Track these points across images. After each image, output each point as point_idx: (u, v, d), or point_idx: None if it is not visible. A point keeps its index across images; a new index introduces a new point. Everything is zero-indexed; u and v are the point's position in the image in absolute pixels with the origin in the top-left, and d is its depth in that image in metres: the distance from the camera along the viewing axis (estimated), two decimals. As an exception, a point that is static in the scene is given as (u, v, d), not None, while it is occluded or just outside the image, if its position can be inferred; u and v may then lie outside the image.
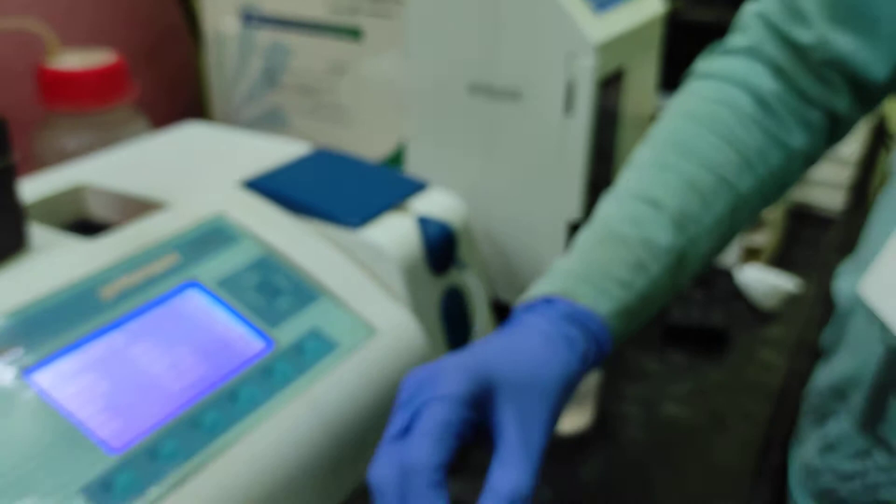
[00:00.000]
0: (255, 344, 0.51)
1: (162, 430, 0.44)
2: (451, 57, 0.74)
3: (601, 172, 0.78)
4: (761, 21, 0.53)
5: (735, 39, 0.55)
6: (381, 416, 0.53)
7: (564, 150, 0.72)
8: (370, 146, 0.86)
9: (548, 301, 0.45)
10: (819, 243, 0.99)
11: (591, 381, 0.66)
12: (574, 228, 0.74)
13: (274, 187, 0.61)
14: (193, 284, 0.52)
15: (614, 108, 0.80)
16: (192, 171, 0.64)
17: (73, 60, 0.76)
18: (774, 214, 0.91)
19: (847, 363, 0.51)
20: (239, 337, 0.51)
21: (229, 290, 0.53)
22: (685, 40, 0.85)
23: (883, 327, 0.46)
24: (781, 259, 0.95)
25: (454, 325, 0.62)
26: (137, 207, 0.60)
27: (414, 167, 0.80)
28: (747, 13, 0.55)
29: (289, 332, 0.52)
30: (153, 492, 0.41)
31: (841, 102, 0.53)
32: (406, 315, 0.57)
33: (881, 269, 0.46)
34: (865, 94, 0.53)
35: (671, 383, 0.72)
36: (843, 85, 0.52)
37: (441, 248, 0.60)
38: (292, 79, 0.88)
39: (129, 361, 0.47)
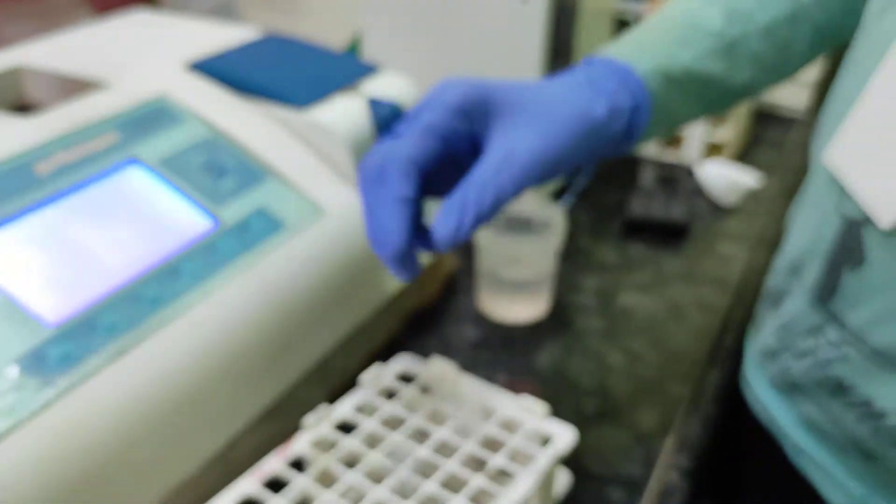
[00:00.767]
0: (199, 222, 0.49)
1: (101, 304, 0.43)
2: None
3: (559, 69, 0.76)
4: None
5: None
6: (327, 296, 0.52)
7: (521, 41, 0.70)
8: (326, 37, 0.84)
9: (588, 61, 0.46)
10: (782, 143, 0.99)
11: (548, 270, 0.65)
12: (533, 118, 0.72)
13: (220, 69, 0.59)
14: (134, 162, 0.51)
15: (573, 2, 0.78)
16: (136, 54, 0.62)
17: (11, -57, 0.73)
18: (737, 110, 0.90)
19: (804, 237, 0.51)
20: (183, 215, 0.49)
21: (172, 168, 0.51)
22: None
23: (841, 197, 0.45)
24: (744, 158, 0.94)
25: (408, 210, 0.61)
26: (77, 88, 0.58)
27: (370, 57, 0.78)
28: None
29: (234, 211, 0.51)
30: (91, 362, 0.40)
31: None
32: (355, 197, 0.56)
33: (845, 135, 0.45)
34: None
35: (629, 274, 0.72)
36: None
37: (392, 128, 0.58)
38: (245, -32, 0.85)
39: (67, 237, 0.45)
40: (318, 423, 0.44)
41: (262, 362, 0.48)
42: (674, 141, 0.92)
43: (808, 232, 0.51)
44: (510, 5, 0.69)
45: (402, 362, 0.49)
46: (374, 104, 0.58)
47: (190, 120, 0.55)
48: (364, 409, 0.46)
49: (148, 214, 0.49)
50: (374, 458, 0.42)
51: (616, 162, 0.91)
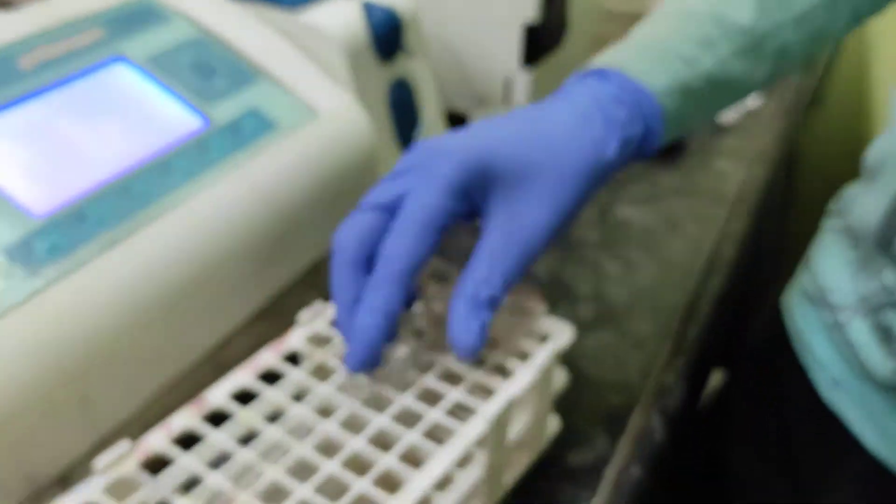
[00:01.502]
0: (189, 120, 0.48)
1: (89, 196, 0.42)
2: None
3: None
4: None
5: None
6: (320, 198, 0.51)
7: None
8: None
9: (601, 73, 0.41)
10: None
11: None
12: (532, 32, 0.71)
13: (208, -31, 0.57)
14: (121, 59, 0.49)
15: None
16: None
17: None
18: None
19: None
20: (172, 113, 0.48)
21: (161, 67, 0.50)
22: None
23: None
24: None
25: (401, 115, 0.59)
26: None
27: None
28: None
29: (225, 111, 0.50)
30: (80, 254, 0.39)
31: None
32: (349, 99, 0.54)
33: None
34: None
35: (625, 187, 0.71)
36: None
37: (387, 32, 0.57)
38: None
39: (54, 131, 0.44)
40: (314, 319, 0.43)
41: (255, 261, 0.47)
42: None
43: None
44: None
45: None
46: (370, 7, 0.56)
47: (178, 19, 0.53)
48: (360, 308, 0.45)
49: (136, 112, 0.47)
50: (370, 352, 0.41)
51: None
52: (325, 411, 0.37)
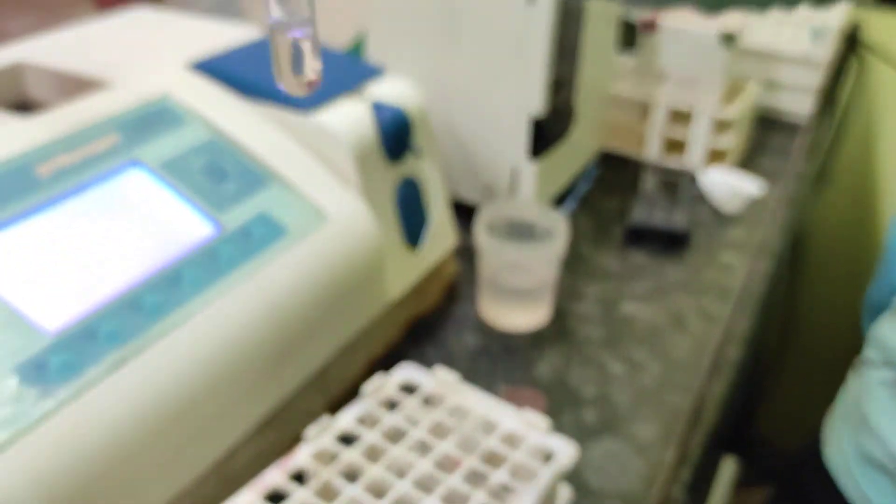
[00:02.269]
0: (201, 227, 0.49)
1: (101, 311, 0.42)
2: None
3: (565, 70, 0.75)
4: None
5: None
6: (328, 302, 0.52)
7: (527, 42, 0.69)
8: (329, 36, 0.83)
9: None
10: (786, 150, 0.98)
11: (549, 278, 0.65)
12: (537, 124, 0.72)
13: (223, 69, 0.58)
14: (136, 164, 0.50)
15: (579, 3, 0.78)
16: (138, 53, 0.61)
17: (12, -64, 0.72)
18: (739, 112, 0.89)
19: None
20: (184, 220, 0.49)
21: (174, 172, 0.51)
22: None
23: None
24: (747, 164, 0.94)
25: (409, 214, 0.60)
26: (78, 87, 0.57)
27: (374, 59, 0.77)
28: None
29: (236, 217, 0.50)
30: (91, 372, 0.40)
31: None
32: (358, 202, 0.55)
33: None
34: None
35: (631, 282, 0.72)
36: None
37: (396, 133, 0.58)
38: (248, -36, 0.84)
39: (67, 242, 0.45)
40: (320, 435, 0.43)
41: (263, 370, 0.47)
42: (676, 146, 0.91)
43: None
44: (515, 6, 0.69)
45: (405, 372, 0.49)
46: (378, 108, 0.57)
47: (192, 121, 0.54)
48: (366, 421, 0.45)
49: (149, 219, 0.48)
50: (375, 471, 0.42)
51: (618, 167, 0.91)
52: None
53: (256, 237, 0.50)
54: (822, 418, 0.73)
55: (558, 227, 0.64)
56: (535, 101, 0.71)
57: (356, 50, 0.81)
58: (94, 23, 0.67)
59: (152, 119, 0.53)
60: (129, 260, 0.45)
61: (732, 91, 0.93)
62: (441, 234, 0.65)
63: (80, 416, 0.38)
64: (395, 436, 0.44)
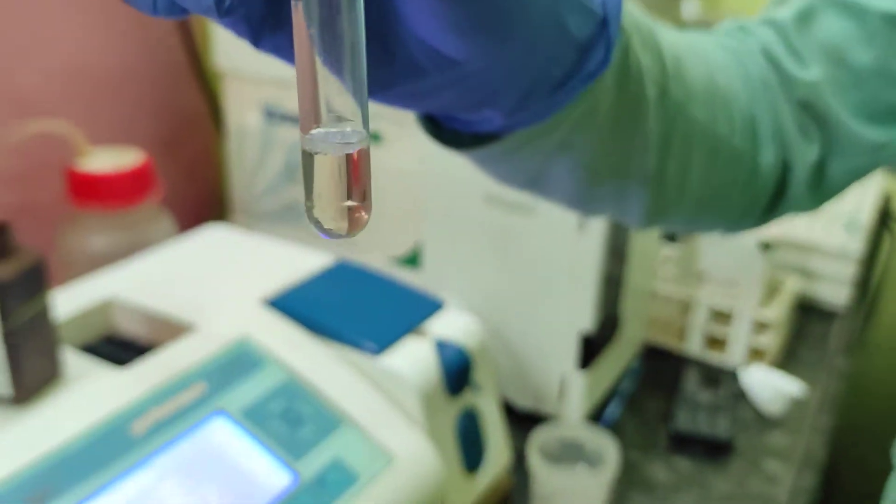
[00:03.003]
0: (279, 478, 0.52)
1: (190, 574, 0.45)
2: (466, 168, 0.76)
3: (615, 269, 0.80)
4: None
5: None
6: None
7: (578, 265, 0.74)
8: (387, 244, 0.88)
9: None
10: (825, 339, 1.01)
11: (601, 500, 0.67)
12: (587, 341, 0.76)
13: (296, 307, 0.63)
14: (220, 413, 0.54)
15: (624, 240, 0.82)
16: (217, 286, 0.66)
17: (102, 160, 0.79)
18: (779, 314, 0.93)
19: None
20: (264, 470, 0.52)
21: (254, 419, 0.55)
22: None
23: None
24: (787, 356, 0.96)
25: (468, 444, 0.63)
26: (164, 326, 0.62)
27: (430, 270, 0.82)
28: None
29: (312, 464, 0.54)
30: None
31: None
32: (423, 441, 0.58)
33: None
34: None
35: (677, 495, 0.74)
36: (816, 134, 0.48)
37: (458, 371, 0.62)
38: (312, 175, 0.90)
39: (157, 501, 0.48)
40: None
41: None
42: (717, 343, 0.94)
43: None
44: (567, 231, 0.73)
45: None
46: (442, 347, 0.62)
47: (270, 364, 0.58)
48: None
49: (232, 472, 0.52)
50: None
51: (660, 361, 0.94)
52: None
53: (330, 485, 0.53)
54: None
55: (609, 451, 0.67)
56: (585, 319, 0.75)
57: (412, 260, 0.86)
58: (174, 247, 0.73)
59: (234, 364, 0.57)
60: (214, 518, 0.49)
61: (771, 288, 0.96)
62: (497, 453, 0.68)
63: None
64: None
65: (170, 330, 0.61)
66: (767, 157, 0.47)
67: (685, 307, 0.95)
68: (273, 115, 0.91)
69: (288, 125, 0.90)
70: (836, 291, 1.07)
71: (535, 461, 0.66)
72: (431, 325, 0.64)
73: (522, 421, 0.78)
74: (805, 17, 0.48)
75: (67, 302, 0.63)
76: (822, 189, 0.50)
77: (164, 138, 0.99)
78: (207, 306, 0.63)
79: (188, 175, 1.03)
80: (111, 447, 0.49)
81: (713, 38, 0.49)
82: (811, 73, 0.47)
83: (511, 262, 0.77)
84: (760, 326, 0.92)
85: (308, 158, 0.21)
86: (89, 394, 0.52)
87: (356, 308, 0.65)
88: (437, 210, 0.80)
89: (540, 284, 0.76)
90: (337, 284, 0.68)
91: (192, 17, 1.02)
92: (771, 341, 0.92)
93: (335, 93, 0.21)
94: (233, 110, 0.94)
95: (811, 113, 0.47)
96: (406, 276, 0.86)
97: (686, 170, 0.42)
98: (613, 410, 0.84)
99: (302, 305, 0.63)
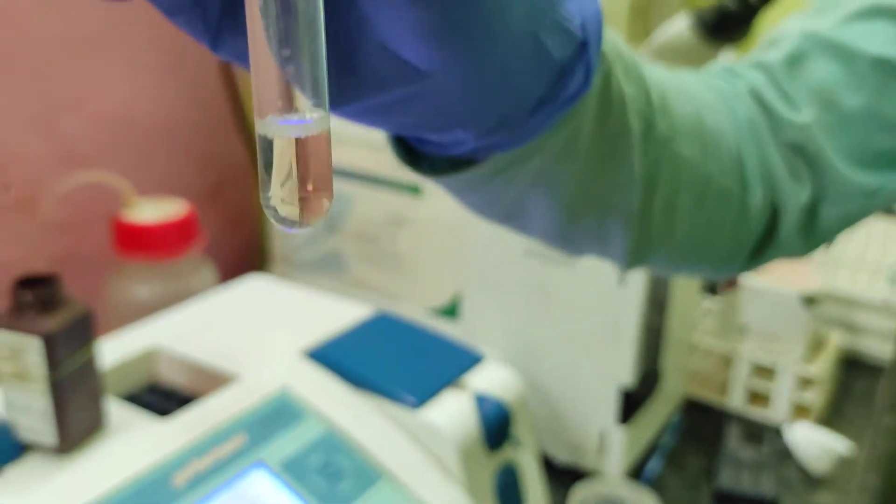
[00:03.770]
0: (317, 534, 0.52)
1: None
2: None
3: (655, 322, 0.79)
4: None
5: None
6: None
7: (618, 318, 0.73)
8: (426, 295, 0.88)
9: None
10: (871, 395, 0.99)
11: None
12: (626, 395, 0.75)
13: (336, 359, 0.63)
14: (260, 465, 0.54)
15: (665, 294, 0.81)
16: (258, 337, 0.67)
17: (147, 210, 0.80)
18: (823, 370, 0.91)
19: None
20: (302, 525, 0.52)
21: (293, 472, 0.55)
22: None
23: None
24: (833, 412, 0.94)
25: (508, 501, 0.63)
26: (206, 377, 0.62)
27: (468, 321, 0.82)
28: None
29: (350, 520, 0.53)
30: None
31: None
32: (462, 496, 0.58)
33: None
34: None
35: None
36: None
37: (497, 426, 0.61)
38: (352, 226, 0.91)
39: (198, 554, 0.48)
40: None
41: None
42: (760, 398, 0.93)
43: None
44: (607, 285, 0.73)
45: None
46: (481, 401, 0.61)
47: (310, 417, 0.58)
48: None
49: (271, 526, 0.51)
50: None
51: (701, 415, 0.93)
52: None
53: (368, 542, 0.53)
54: None
55: (650, 509, 0.65)
56: (625, 373, 0.74)
57: (451, 311, 0.86)
58: (216, 297, 0.73)
59: (274, 415, 0.58)
60: (253, 572, 0.48)
61: (815, 343, 0.95)
62: (535, 510, 0.67)
63: None
64: None
65: (211, 380, 0.62)
66: (755, 198, 0.46)
67: (727, 361, 0.94)
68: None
69: (329, 176, 0.91)
70: (881, 346, 1.04)
71: (574, 518, 0.65)
72: (471, 379, 0.64)
73: (561, 476, 0.77)
74: (795, 61, 0.47)
75: (112, 351, 0.63)
76: (813, 233, 0.48)
77: (208, 188, 1.01)
78: (248, 357, 0.63)
79: (230, 224, 1.05)
80: (153, 499, 0.49)
81: (700, 77, 0.48)
82: (802, 115, 0.46)
83: (550, 314, 0.77)
84: (804, 382, 0.90)
85: (264, 143, 0.21)
86: (132, 444, 0.53)
87: (396, 360, 0.65)
88: (477, 261, 0.80)
89: (579, 337, 0.76)
90: (376, 336, 0.68)
91: (237, 69, 1.04)
92: (815, 397, 0.90)
93: (292, 77, 0.20)
94: (275, 161, 0.95)
95: (802, 155, 0.46)
96: (444, 328, 0.86)
97: (672, 208, 0.41)
98: (654, 466, 0.83)
99: (342, 357, 0.64)
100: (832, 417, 0.93)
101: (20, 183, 0.82)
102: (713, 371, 0.95)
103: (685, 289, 0.85)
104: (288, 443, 0.56)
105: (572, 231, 0.39)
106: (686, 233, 0.43)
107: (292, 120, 0.20)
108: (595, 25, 0.29)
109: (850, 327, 1.05)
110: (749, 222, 0.47)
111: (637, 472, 0.81)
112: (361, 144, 0.87)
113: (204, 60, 0.97)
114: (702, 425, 0.91)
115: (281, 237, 0.97)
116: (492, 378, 0.64)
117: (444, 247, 0.86)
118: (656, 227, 0.41)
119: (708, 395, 0.96)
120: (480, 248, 0.80)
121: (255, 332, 0.68)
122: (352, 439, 0.58)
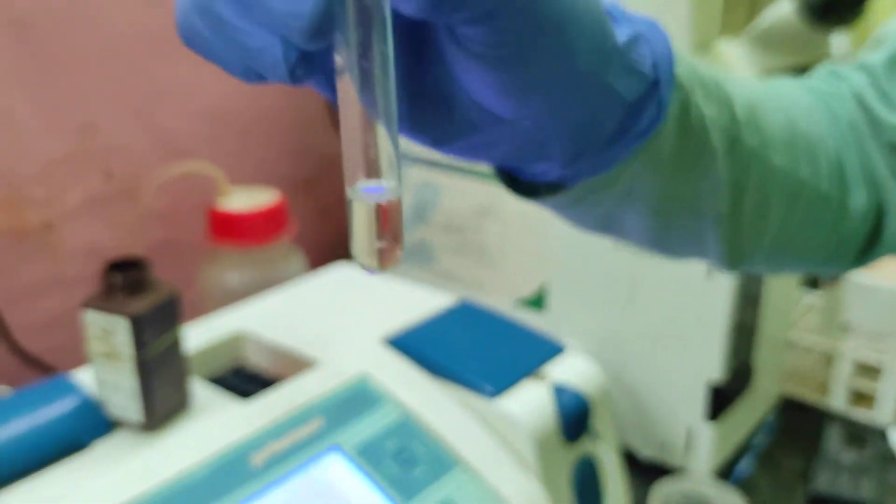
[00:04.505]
0: (389, 519, 0.52)
1: None
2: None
3: (747, 315, 0.76)
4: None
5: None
6: None
7: (707, 311, 0.71)
8: (513, 286, 0.88)
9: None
10: None
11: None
12: (715, 390, 0.73)
13: (416, 347, 0.63)
14: (335, 449, 0.55)
15: (758, 288, 0.79)
16: (341, 324, 0.68)
17: (241, 200, 0.82)
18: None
19: None
20: (376, 510, 0.53)
21: (368, 457, 0.55)
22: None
23: None
24: (942, 417, 0.89)
25: (586, 495, 0.62)
26: (288, 361, 0.64)
27: (554, 312, 0.81)
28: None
29: (423, 506, 0.54)
30: None
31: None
32: (537, 487, 0.57)
33: None
34: None
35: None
36: None
37: (575, 418, 0.60)
38: (440, 217, 0.91)
39: (271, 534, 0.49)
40: None
41: None
42: (864, 398, 0.89)
43: None
44: (696, 278, 0.71)
45: None
46: (560, 392, 0.60)
47: (387, 403, 0.59)
48: None
49: (345, 508, 0.52)
50: None
51: (799, 415, 0.89)
52: None
53: (440, 528, 0.53)
54: None
55: (737, 509, 0.63)
56: (714, 368, 0.72)
57: (537, 302, 0.85)
58: (303, 285, 0.75)
59: (352, 401, 0.58)
60: (325, 553, 0.49)
61: (924, 342, 0.90)
62: (616, 505, 0.66)
63: None
64: None
65: (293, 364, 0.63)
66: (858, 200, 0.46)
67: (828, 359, 0.90)
68: (403, 158, 0.93)
69: (417, 167, 0.91)
70: None
71: (657, 514, 0.63)
72: (551, 369, 0.63)
73: (646, 471, 0.76)
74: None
75: (200, 335, 0.65)
76: None
77: (300, 180, 1.03)
78: (330, 343, 0.64)
79: (320, 215, 1.07)
80: (231, 477, 0.51)
81: (801, 82, 0.48)
82: None
83: (638, 306, 0.75)
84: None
85: (350, 206, 0.26)
86: (214, 424, 0.54)
87: (475, 349, 0.64)
88: (564, 253, 0.79)
89: (667, 330, 0.74)
90: (458, 325, 0.68)
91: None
92: (924, 399, 0.85)
93: (374, 153, 0.25)
94: (366, 152, 0.96)
95: None
96: (530, 319, 0.85)
97: (764, 211, 0.42)
98: (745, 466, 0.80)
99: (421, 345, 0.64)
100: (943, 421, 0.88)
101: (122, 173, 0.85)
102: (813, 369, 0.91)
103: (781, 284, 0.82)
104: (364, 428, 0.57)
105: (668, 237, 0.41)
106: (779, 233, 0.44)
107: (371, 188, 0.25)
108: (666, 63, 0.32)
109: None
110: (851, 223, 0.47)
111: (726, 472, 0.79)
112: (449, 135, 0.87)
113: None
114: (799, 425, 0.88)
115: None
116: (572, 369, 0.63)
117: (532, 238, 0.85)
118: (748, 228, 0.42)
119: (807, 394, 0.92)
120: (567, 240, 0.79)
121: (338, 319, 0.69)
122: (428, 427, 0.58)
